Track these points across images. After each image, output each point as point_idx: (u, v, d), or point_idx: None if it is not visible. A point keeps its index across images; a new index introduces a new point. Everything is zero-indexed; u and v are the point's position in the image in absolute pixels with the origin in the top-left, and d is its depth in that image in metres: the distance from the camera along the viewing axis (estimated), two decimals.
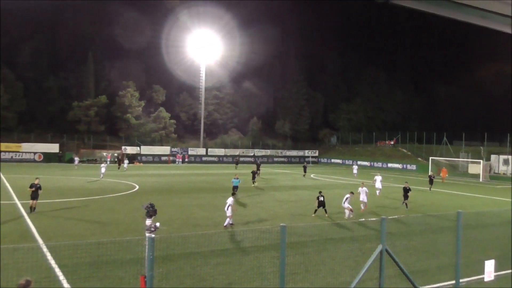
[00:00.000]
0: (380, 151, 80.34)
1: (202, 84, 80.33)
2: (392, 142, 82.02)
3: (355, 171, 53.78)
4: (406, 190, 26.60)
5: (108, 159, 67.50)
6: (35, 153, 63.95)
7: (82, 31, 76.44)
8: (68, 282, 11.94)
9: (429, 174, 40.90)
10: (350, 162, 76.77)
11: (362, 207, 25.27)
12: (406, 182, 27.96)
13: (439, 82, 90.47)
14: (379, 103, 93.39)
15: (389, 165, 71.35)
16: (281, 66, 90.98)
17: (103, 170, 40.92)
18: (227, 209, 19.84)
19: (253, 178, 38.21)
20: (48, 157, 64.07)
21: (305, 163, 61.40)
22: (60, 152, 66.40)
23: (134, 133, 77.96)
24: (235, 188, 29.61)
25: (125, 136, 77.02)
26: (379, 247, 8.49)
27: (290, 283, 10.73)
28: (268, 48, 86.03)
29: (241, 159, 79.15)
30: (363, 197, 25.28)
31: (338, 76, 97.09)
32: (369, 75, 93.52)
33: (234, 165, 64.34)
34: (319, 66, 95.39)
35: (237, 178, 31.19)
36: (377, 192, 32.79)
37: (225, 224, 19.79)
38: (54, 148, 65.71)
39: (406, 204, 26.42)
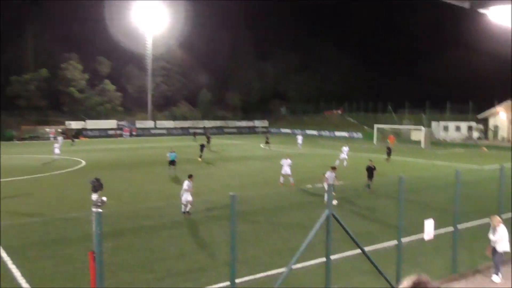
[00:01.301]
0: (327, 120, 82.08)
1: (149, 54, 78.00)
2: (338, 111, 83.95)
3: (299, 141, 50.94)
4: (370, 169, 22.99)
5: (52, 135, 64.96)
6: None
7: (18, 4, 71.77)
8: (15, 264, 11.60)
9: (387, 146, 39.72)
10: (299, 131, 77.98)
11: (281, 181, 24.39)
12: (370, 160, 24.28)
13: (383, 53, 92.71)
14: (327, 74, 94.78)
15: (336, 133, 73.11)
16: (231, 37, 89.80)
17: (56, 149, 38.50)
18: (183, 194, 16.92)
19: (201, 151, 37.13)
20: None
21: (267, 135, 58.37)
22: None
23: (79, 107, 75.15)
24: (171, 162, 28.44)
25: (69, 111, 74.16)
26: (326, 212, 8.80)
27: (241, 251, 10.96)
28: (217, 18, 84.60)
29: (191, 130, 78.61)
30: (285, 170, 24.26)
31: (288, 47, 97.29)
32: (317, 47, 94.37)
33: (192, 137, 63.02)
34: (269, 37, 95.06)
35: (173, 152, 29.43)
36: (344, 163, 32.98)
37: (183, 210, 17.01)
38: None
39: (369, 185, 22.81)
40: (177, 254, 12.75)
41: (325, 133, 74.89)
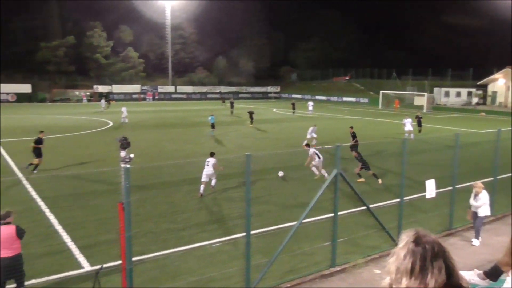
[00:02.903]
0: (335, 86, 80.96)
1: (168, 23, 77.00)
2: (346, 78, 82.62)
3: (310, 108, 47.78)
4: (419, 118, 29.87)
5: (84, 98, 65.37)
6: (7, 93, 60.92)
7: None
8: (51, 212, 11.91)
9: (416, 114, 32.02)
10: (309, 97, 77.25)
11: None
12: (419, 111, 32.18)
13: (388, 21, 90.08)
14: (334, 41, 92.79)
15: (344, 99, 72.29)
16: (243, 5, 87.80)
17: (103, 105, 44.43)
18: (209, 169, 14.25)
19: (251, 118, 34.53)
20: (21, 97, 61.20)
21: (293, 101, 53.27)
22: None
23: (104, 73, 75.08)
24: (212, 125, 28.75)
25: (96, 76, 74.15)
26: (334, 171, 8.79)
27: (255, 205, 11.09)
28: None
29: (208, 95, 78.36)
30: (311, 134, 24.41)
31: (297, 15, 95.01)
32: (326, 14, 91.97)
33: (221, 101, 59.94)
34: (279, 5, 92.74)
35: (213, 115, 29.65)
36: (412, 135, 27.77)
37: (212, 185, 14.57)
38: (26, 88, 62.63)
39: (420, 130, 29.46)
40: (196, 207, 12.94)
41: (334, 98, 74.09)
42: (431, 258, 1.62)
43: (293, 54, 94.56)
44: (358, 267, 9.06)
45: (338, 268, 8.89)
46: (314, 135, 25.81)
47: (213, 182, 14.52)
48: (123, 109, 35.13)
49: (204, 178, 14.07)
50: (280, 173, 16.23)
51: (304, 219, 8.56)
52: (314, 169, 16.72)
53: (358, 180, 15.68)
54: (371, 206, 9.88)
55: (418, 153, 21.01)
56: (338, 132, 32.33)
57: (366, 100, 68.82)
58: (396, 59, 77.00)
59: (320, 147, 23.12)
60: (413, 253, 1.65)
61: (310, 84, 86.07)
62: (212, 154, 14.78)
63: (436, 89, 64.22)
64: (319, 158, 16.54)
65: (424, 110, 53.58)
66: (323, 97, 75.66)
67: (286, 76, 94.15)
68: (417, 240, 1.68)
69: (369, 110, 54.64)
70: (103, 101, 49.92)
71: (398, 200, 10.58)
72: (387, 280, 1.71)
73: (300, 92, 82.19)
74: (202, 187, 13.97)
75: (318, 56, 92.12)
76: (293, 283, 8.24)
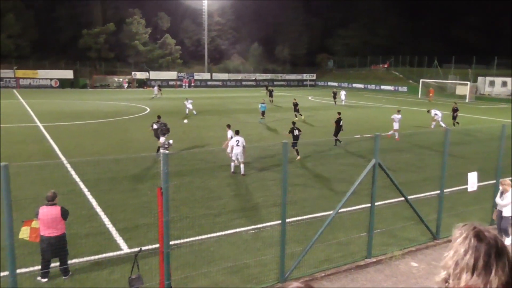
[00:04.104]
0: (373, 74, 79.13)
1: (205, 10, 77.31)
2: (385, 66, 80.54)
3: (343, 97, 43.83)
4: (454, 110, 28.11)
5: (125, 85, 66.84)
6: (51, 79, 63.16)
7: None
8: (92, 194, 12.32)
9: (453, 107, 29.35)
10: (346, 84, 75.91)
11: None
12: (455, 103, 30.03)
13: (430, 6, 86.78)
14: (373, 28, 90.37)
15: (382, 87, 70.64)
16: None
17: (156, 91, 47.37)
18: (235, 146, 14.89)
19: (297, 111, 32.06)
20: (64, 83, 63.35)
21: (337, 90, 50.25)
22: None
23: (142, 59, 76.45)
24: (262, 112, 28.93)
25: (134, 62, 75.65)
26: (372, 161, 8.62)
27: (291, 193, 11.06)
28: None
29: (244, 83, 78.44)
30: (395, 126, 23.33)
31: (335, 1, 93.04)
32: (363, 0, 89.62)
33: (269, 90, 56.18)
34: None
35: (264, 103, 29.90)
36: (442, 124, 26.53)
37: (243, 173, 15.03)
38: (68, 74, 64.70)
39: (457, 122, 27.80)
40: (232, 194, 13.06)
41: (371, 86, 72.53)
42: (495, 255, 1.56)
43: (330, 41, 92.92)
44: (395, 259, 8.90)
45: (374, 260, 8.78)
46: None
47: (242, 168, 14.91)
48: (186, 101, 33.54)
49: (235, 157, 14.79)
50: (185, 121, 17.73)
51: (340, 208, 8.47)
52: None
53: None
54: (409, 197, 9.66)
55: (459, 145, 20.32)
56: (376, 121, 31.70)
57: (404, 88, 67.01)
58: (438, 47, 74.27)
59: (359, 136, 22.76)
60: (476, 249, 1.59)
61: (347, 71, 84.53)
62: (237, 132, 15.44)
63: (480, 78, 61.58)
64: None
65: (467, 100, 51.67)
66: (360, 85, 74.23)
67: (322, 64, 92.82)
68: (479, 235, 1.61)
69: (407, 99, 53.20)
70: (156, 88, 50.65)
71: (438, 192, 10.29)
72: (442, 275, 1.66)
73: (337, 79, 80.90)
74: (233, 165, 14.93)
75: (356, 43, 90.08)
76: (328, 272, 8.20)
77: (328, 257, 8.79)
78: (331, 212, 8.84)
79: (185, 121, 26.94)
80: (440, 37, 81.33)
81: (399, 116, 23.52)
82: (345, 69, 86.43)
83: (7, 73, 60.72)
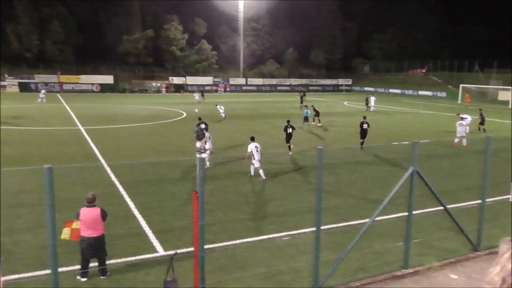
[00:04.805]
0: (411, 79, 77.35)
1: (241, 16, 78.03)
2: (423, 70, 78.54)
3: (372, 103, 42.25)
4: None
5: (163, 89, 68.30)
6: (92, 84, 65.37)
7: None
8: (129, 197, 12.60)
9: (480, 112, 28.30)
10: (382, 90, 74.58)
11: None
12: (480, 109, 28.23)
13: (471, 10, 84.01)
14: (411, 32, 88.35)
15: (420, 92, 68.92)
16: None
17: (196, 97, 48.01)
18: (255, 152, 14.97)
19: (317, 116, 31.46)
20: (104, 88, 65.42)
21: (368, 96, 49.02)
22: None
23: (179, 65, 77.89)
24: (305, 118, 28.63)
25: (171, 67, 77.16)
26: (410, 169, 8.39)
27: (325, 200, 10.93)
28: None
29: (278, 88, 78.46)
30: (460, 132, 22.61)
31: (371, 5, 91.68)
32: (402, 4, 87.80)
33: (300, 95, 54.35)
34: None
35: (307, 108, 29.59)
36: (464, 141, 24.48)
37: (264, 177, 14.90)
38: (109, 79, 66.79)
39: (484, 129, 26.73)
40: (265, 198, 13.04)
41: (409, 92, 70.90)
42: None
43: (366, 46, 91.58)
44: (433, 270, 8.61)
45: (411, 270, 8.52)
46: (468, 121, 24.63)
47: (262, 173, 14.84)
48: (219, 106, 34.27)
49: (257, 164, 14.85)
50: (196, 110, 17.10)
51: (377, 216, 8.28)
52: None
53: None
54: (449, 206, 9.33)
55: (503, 152, 19.50)
56: (413, 127, 30.96)
57: (444, 94, 65.10)
58: (479, 50, 71.74)
59: (396, 143, 22.28)
60: None
61: (384, 76, 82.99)
62: (253, 139, 15.42)
63: None
64: None
65: (510, 106, 49.64)
66: (397, 91, 72.73)
67: (358, 68, 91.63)
68: None
69: (446, 105, 51.64)
70: (196, 94, 51.71)
71: (479, 201, 9.90)
72: None
73: (373, 84, 79.61)
74: (252, 168, 15.03)
75: (393, 47, 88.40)
76: (363, 282, 8.02)
77: (363, 266, 8.61)
78: (366, 220, 8.67)
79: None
80: (482, 40, 78.59)
81: (462, 121, 23.09)
82: (381, 74, 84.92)
83: (51, 78, 63.38)
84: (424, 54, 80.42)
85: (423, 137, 24.63)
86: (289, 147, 19.45)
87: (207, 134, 16.97)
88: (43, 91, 47.95)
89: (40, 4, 66.83)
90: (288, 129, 19.54)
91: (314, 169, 15.40)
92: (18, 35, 66.18)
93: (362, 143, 21.35)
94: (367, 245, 9.19)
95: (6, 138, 22.02)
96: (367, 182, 15.10)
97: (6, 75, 60.82)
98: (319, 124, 29.74)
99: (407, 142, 20.00)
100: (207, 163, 15.96)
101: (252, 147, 14.99)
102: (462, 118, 24.50)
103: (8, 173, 14.57)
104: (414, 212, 8.97)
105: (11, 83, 60.43)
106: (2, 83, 59.90)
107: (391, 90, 73.20)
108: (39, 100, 43.96)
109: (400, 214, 10.44)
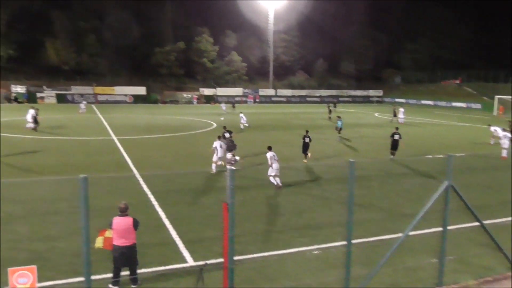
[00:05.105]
0: (444, 90, 75.57)
1: (271, 28, 78.58)
2: (457, 81, 76.63)
3: (401, 115, 40.89)
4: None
5: (194, 100, 69.42)
6: (126, 95, 67.10)
7: None
8: (160, 206, 12.76)
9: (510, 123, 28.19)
10: (414, 101, 73.20)
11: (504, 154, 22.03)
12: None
13: (507, 18, 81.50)
14: (444, 41, 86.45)
15: (453, 104, 67.20)
16: (345, 7, 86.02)
17: (224, 108, 48.17)
18: (274, 161, 15.51)
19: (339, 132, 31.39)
20: (137, 99, 66.97)
21: (396, 106, 49.78)
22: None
23: (210, 76, 78.93)
24: (339, 128, 28.90)
25: (202, 79, 78.24)
26: (445, 183, 8.15)
27: (355, 214, 10.74)
28: None
29: (308, 99, 78.22)
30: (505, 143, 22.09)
31: (403, 15, 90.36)
32: (434, 13, 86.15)
33: (328, 106, 53.31)
34: (383, 6, 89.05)
35: (340, 119, 29.81)
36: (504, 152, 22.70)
37: (279, 184, 15.35)
38: (141, 90, 68.39)
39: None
40: (295, 210, 12.93)
41: (441, 103, 69.24)
42: None
43: (397, 56, 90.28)
44: None
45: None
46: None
47: (279, 180, 15.21)
48: (241, 115, 34.87)
49: (275, 172, 15.16)
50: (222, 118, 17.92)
51: (410, 231, 8.06)
52: None
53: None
54: (485, 222, 8.98)
55: None
56: (446, 140, 30.17)
57: (478, 105, 63.21)
58: None
59: (430, 156, 21.76)
60: None
61: (416, 87, 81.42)
62: (270, 148, 15.90)
63: None
64: None
65: None
66: (430, 102, 71.20)
67: (389, 79, 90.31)
68: None
69: (481, 116, 50.10)
70: (223, 104, 52.30)
71: None
72: None
73: (404, 96, 78.24)
74: (272, 179, 15.24)
75: (425, 57, 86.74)
76: None
77: (395, 282, 8.38)
78: (397, 234, 8.45)
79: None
80: None
81: (504, 133, 22.57)
82: (413, 84, 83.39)
83: (87, 89, 65.50)
84: (458, 64, 78.53)
85: (457, 149, 23.95)
86: (305, 155, 20.27)
87: (217, 143, 17.88)
88: (84, 102, 50.71)
89: (77, 19, 69.31)
90: (305, 138, 20.36)
91: (343, 181, 15.19)
92: (56, 49, 68.76)
93: (393, 154, 21.33)
94: (399, 260, 8.95)
95: (45, 147, 22.86)
96: (398, 196, 14.76)
97: (44, 87, 63.32)
98: (339, 135, 29.70)
99: (441, 156, 19.51)
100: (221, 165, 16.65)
101: (270, 155, 15.56)
102: (504, 130, 23.75)
103: (46, 182, 15.06)
104: (449, 228, 8.69)
105: (49, 95, 62.91)
106: (41, 94, 62.38)
107: (423, 101, 71.79)
108: (81, 111, 46.10)
109: (434, 229, 10.13)
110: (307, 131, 20.88)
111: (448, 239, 8.63)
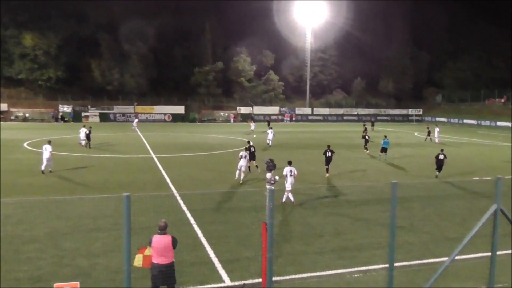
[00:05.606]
0: (488, 109, 72.84)
1: (308, 46, 78.89)
2: (502, 100, 73.76)
3: (436, 134, 39.36)
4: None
5: (232, 119, 70.33)
6: (165, 114, 68.85)
7: (200, 6, 78.50)
8: (197, 225, 12.85)
9: None
10: (456, 120, 70.98)
11: None
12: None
13: None
14: (488, 59, 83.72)
15: (498, 123, 64.58)
16: (385, 26, 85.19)
17: (253, 127, 47.23)
18: (289, 176, 15.68)
19: (366, 144, 31.86)
20: (176, 118, 68.54)
21: (430, 125, 48.76)
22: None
23: (247, 95, 79.78)
24: (384, 149, 27.24)
25: (239, 98, 79.21)
26: (493, 207, 7.78)
27: (398, 236, 10.41)
28: (372, 8, 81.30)
29: (345, 117, 77.41)
30: None
31: (445, 33, 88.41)
32: (478, 31, 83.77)
33: (364, 125, 52.81)
34: (424, 24, 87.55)
35: (386, 138, 28.02)
36: None
37: (291, 200, 15.57)
38: (180, 109, 69.97)
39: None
40: (333, 231, 12.68)
41: (486, 122, 66.73)
42: None
43: (438, 74, 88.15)
44: None
45: None
46: None
47: (291, 196, 15.28)
48: (269, 131, 35.22)
49: (290, 187, 15.31)
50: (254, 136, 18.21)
51: (456, 255, 7.72)
52: None
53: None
54: None
55: None
56: (492, 160, 28.95)
57: None
58: None
59: (477, 178, 20.95)
60: None
61: (458, 106, 78.95)
62: (290, 163, 15.97)
63: None
64: None
65: None
66: (473, 121, 68.75)
67: (430, 98, 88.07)
68: None
69: None
70: (252, 123, 52.15)
71: None
72: None
73: (446, 115, 75.97)
74: (289, 195, 15.31)
75: (468, 75, 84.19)
76: None
77: None
78: (442, 259, 8.11)
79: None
80: None
81: None
82: (455, 103, 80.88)
83: (128, 108, 67.73)
84: (503, 82, 75.76)
85: (504, 171, 22.92)
86: (327, 169, 21.21)
87: (243, 153, 19.41)
88: (136, 120, 54.64)
89: (122, 41, 72.22)
90: (327, 153, 21.22)
91: (383, 202, 14.82)
92: (101, 70, 71.76)
93: (437, 173, 21.09)
94: (444, 285, 8.57)
95: (89, 164, 23.69)
96: (442, 218, 14.21)
97: (89, 106, 66.04)
98: (367, 152, 30.10)
99: (488, 178, 18.75)
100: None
101: (287, 170, 15.64)
102: None
103: (89, 199, 15.54)
104: (497, 253, 8.26)
105: (93, 114, 65.52)
106: (85, 113, 65.08)
107: (465, 121, 69.45)
108: (133, 128, 49.26)
109: (480, 254, 9.69)
110: (328, 146, 21.82)
111: (497, 265, 8.20)
